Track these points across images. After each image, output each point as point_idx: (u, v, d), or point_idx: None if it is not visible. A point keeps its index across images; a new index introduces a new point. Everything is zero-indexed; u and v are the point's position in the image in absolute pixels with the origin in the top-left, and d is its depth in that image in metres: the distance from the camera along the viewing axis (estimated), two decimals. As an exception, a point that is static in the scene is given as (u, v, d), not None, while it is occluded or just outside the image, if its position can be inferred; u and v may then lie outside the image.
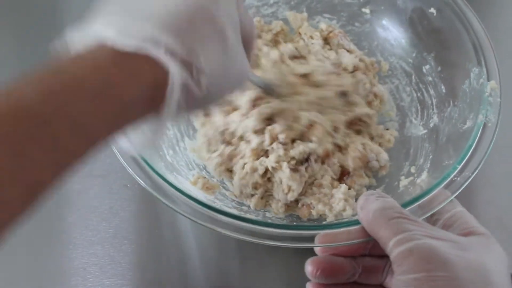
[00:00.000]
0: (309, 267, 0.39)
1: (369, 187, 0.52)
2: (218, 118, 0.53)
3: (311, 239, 0.39)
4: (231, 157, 0.52)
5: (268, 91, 0.51)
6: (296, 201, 0.50)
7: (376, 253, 0.40)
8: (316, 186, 0.50)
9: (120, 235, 0.52)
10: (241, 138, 0.52)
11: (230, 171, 0.52)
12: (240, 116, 0.52)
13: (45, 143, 0.24)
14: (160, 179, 0.42)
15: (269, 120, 0.52)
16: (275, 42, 0.60)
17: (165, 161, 0.49)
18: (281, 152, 0.49)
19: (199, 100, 0.32)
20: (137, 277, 0.50)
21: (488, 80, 0.47)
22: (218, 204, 0.48)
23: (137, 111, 0.29)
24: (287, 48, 0.57)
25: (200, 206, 0.41)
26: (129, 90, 0.27)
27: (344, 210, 0.48)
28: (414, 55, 0.58)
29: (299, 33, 0.61)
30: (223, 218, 0.41)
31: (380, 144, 0.54)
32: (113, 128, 0.28)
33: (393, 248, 0.34)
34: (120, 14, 0.30)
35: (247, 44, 0.37)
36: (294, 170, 0.49)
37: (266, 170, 0.50)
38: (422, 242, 0.33)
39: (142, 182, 0.42)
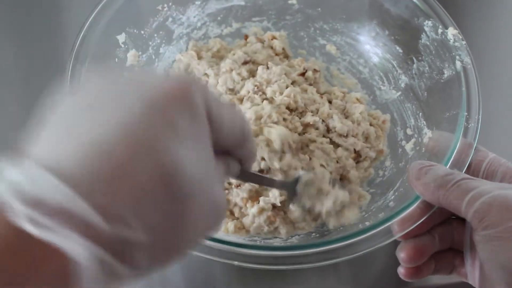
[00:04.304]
0: (402, 254, 0.39)
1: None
2: None
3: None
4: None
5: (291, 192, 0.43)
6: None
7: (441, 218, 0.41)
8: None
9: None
10: (229, 183, 0.49)
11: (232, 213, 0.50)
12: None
13: None
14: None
15: None
16: (219, 58, 0.59)
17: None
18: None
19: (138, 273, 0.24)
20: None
21: (446, 28, 0.50)
22: (260, 241, 0.46)
23: None
24: (237, 55, 0.56)
25: (256, 251, 0.40)
26: (30, 285, 0.21)
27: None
28: (356, 28, 0.60)
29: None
30: (281, 253, 0.40)
31: (379, 127, 0.54)
32: None
33: (468, 207, 0.35)
34: (33, 161, 0.23)
35: (239, 148, 0.31)
36: None
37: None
38: (497, 193, 0.35)
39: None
